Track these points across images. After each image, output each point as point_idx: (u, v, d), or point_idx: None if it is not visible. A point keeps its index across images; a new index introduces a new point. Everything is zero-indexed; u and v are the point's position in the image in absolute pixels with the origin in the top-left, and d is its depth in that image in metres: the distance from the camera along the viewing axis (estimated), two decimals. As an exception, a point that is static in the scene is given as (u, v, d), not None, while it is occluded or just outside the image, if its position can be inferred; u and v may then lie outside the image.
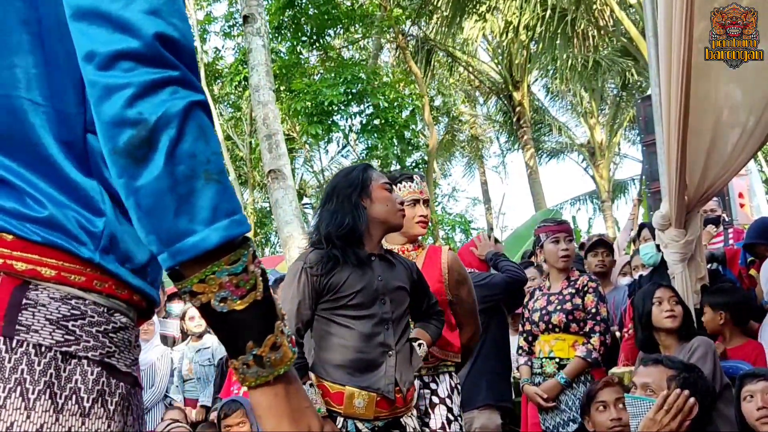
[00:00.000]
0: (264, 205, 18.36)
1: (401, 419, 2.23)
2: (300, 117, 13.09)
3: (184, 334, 5.45)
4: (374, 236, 2.30)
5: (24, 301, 0.80)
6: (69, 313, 0.82)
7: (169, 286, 5.10)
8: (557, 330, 3.45)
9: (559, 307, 3.46)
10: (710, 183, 3.46)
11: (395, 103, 13.53)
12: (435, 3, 14.59)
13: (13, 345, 0.78)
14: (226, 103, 17.36)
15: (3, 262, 0.81)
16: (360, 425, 2.16)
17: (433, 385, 2.69)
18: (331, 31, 14.75)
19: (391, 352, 2.20)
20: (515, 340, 3.90)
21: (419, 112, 15.16)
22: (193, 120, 0.79)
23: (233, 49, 20.86)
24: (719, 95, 3.42)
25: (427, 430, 2.57)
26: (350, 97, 13.15)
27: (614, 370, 3.45)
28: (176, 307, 5.77)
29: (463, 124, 21.46)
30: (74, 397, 0.80)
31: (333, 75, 13.33)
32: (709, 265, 3.88)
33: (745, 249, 4.19)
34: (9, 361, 0.78)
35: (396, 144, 13.92)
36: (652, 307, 3.06)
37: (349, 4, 14.70)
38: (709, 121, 3.41)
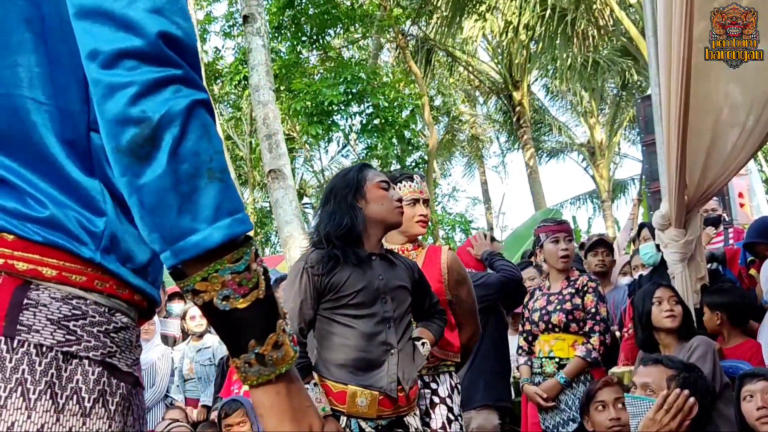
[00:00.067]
0: (264, 205, 18.36)
1: (405, 419, 2.23)
2: (300, 117, 13.10)
3: (185, 334, 5.45)
4: (373, 236, 2.30)
5: (25, 301, 0.80)
6: (70, 313, 0.82)
7: (170, 286, 5.10)
8: (557, 330, 3.45)
9: (558, 307, 3.46)
10: (710, 183, 3.46)
11: (395, 103, 13.53)
12: (435, 3, 14.59)
13: (14, 345, 0.78)
14: (226, 103, 17.36)
15: (4, 262, 0.81)
16: (363, 424, 2.16)
17: (433, 385, 2.69)
18: (331, 31, 14.75)
19: (393, 351, 2.20)
20: (515, 340, 3.90)
21: (419, 112, 15.16)
22: (196, 118, 0.79)
23: (233, 48, 20.87)
24: (719, 95, 3.43)
25: (427, 429, 2.57)
26: (350, 96, 13.15)
27: (614, 369, 3.46)
28: (177, 306, 5.77)
29: (463, 124, 21.46)
30: (75, 397, 0.80)
31: (333, 75, 13.33)
32: (709, 265, 3.88)
33: (745, 248, 4.19)
34: (10, 361, 0.78)
35: (396, 144, 13.93)
36: (652, 306, 3.06)
37: (348, 3, 14.70)
38: (708, 121, 3.41)
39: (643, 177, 7.55)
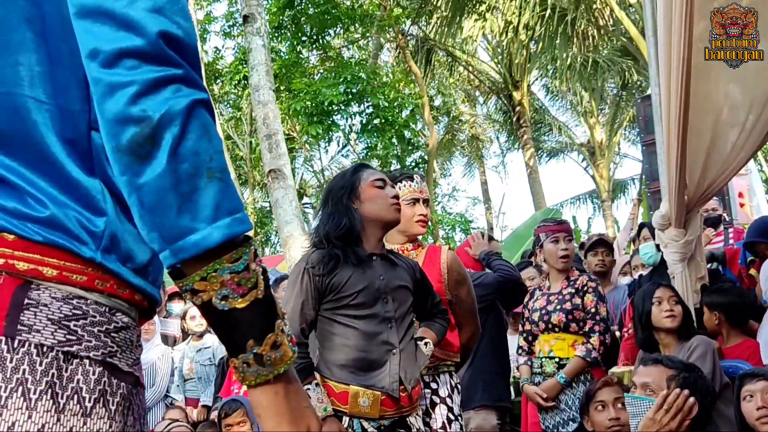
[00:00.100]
0: (264, 205, 18.36)
1: (407, 419, 2.23)
2: (300, 117, 13.10)
3: (185, 334, 5.45)
4: (372, 236, 2.30)
5: (26, 300, 0.80)
6: (71, 313, 0.82)
7: (170, 286, 5.10)
8: (557, 330, 3.45)
9: (558, 307, 3.46)
10: (710, 182, 3.46)
11: (395, 103, 13.54)
12: (435, 2, 14.59)
13: (15, 345, 0.78)
14: (226, 103, 17.36)
15: (5, 262, 0.81)
16: (366, 425, 2.16)
17: (433, 385, 2.69)
18: (331, 31, 14.75)
19: (395, 351, 2.19)
20: (515, 340, 3.90)
21: (419, 112, 15.16)
22: (196, 118, 0.79)
23: (233, 48, 20.87)
24: (719, 95, 3.43)
25: (428, 429, 2.57)
26: (350, 96, 13.16)
27: (614, 369, 3.46)
28: (177, 306, 5.77)
29: (463, 124, 21.46)
30: (76, 397, 0.80)
31: (333, 75, 13.34)
32: (709, 265, 3.89)
33: (745, 247, 4.19)
34: (11, 361, 0.78)
35: (396, 144, 13.93)
36: (652, 306, 3.06)
37: (349, 3, 14.70)
38: (708, 121, 3.41)
39: (643, 177, 7.55)
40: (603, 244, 4.78)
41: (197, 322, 5.06)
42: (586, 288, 3.47)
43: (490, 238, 4.15)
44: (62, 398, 0.79)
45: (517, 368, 3.79)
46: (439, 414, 2.65)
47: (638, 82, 15.40)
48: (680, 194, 3.42)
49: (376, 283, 2.22)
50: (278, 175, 7.29)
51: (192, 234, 0.78)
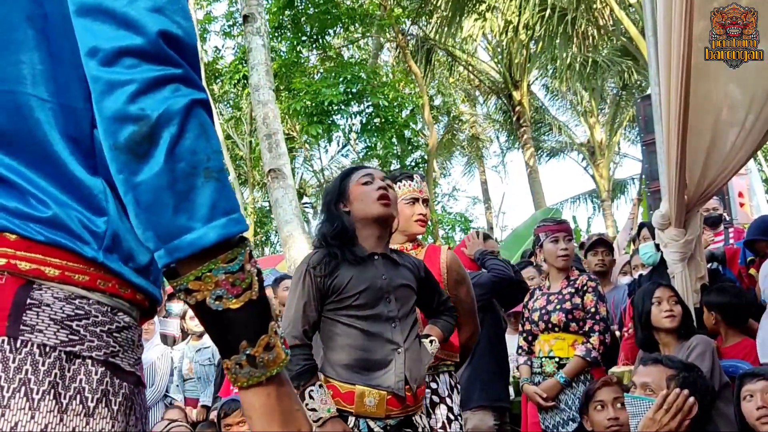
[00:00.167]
0: (264, 205, 18.36)
1: (413, 418, 2.22)
2: (300, 117, 13.10)
3: (185, 334, 5.45)
4: (369, 235, 2.28)
5: (28, 300, 0.80)
6: (73, 313, 0.82)
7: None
8: (557, 329, 3.45)
9: (558, 307, 3.46)
10: (710, 182, 3.46)
11: (395, 103, 13.54)
12: (435, 2, 14.59)
13: (18, 345, 0.78)
14: (226, 103, 17.36)
15: (6, 261, 0.81)
16: (372, 424, 2.16)
17: (433, 385, 2.69)
18: (330, 31, 14.75)
19: (400, 350, 2.19)
20: (515, 340, 3.90)
21: (419, 112, 15.17)
22: (194, 118, 0.79)
23: (233, 48, 20.88)
24: (719, 94, 3.43)
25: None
26: (350, 96, 13.16)
27: (614, 369, 3.46)
28: (176, 306, 5.77)
29: (463, 124, 21.46)
30: (78, 397, 0.80)
31: (333, 74, 13.34)
32: (709, 265, 3.89)
33: (746, 246, 4.19)
34: (13, 361, 0.78)
35: (396, 143, 13.94)
36: (652, 306, 3.06)
37: (349, 3, 14.70)
38: (708, 121, 3.41)
39: (643, 176, 7.55)
40: (603, 243, 4.78)
41: (197, 322, 5.05)
42: (586, 288, 3.47)
43: (486, 237, 4.11)
44: (65, 398, 0.79)
45: (517, 368, 3.78)
46: (440, 414, 2.65)
47: (638, 82, 15.39)
48: (680, 194, 3.42)
49: (378, 282, 2.21)
50: (278, 175, 7.29)
51: (188, 233, 0.78)
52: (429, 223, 3.00)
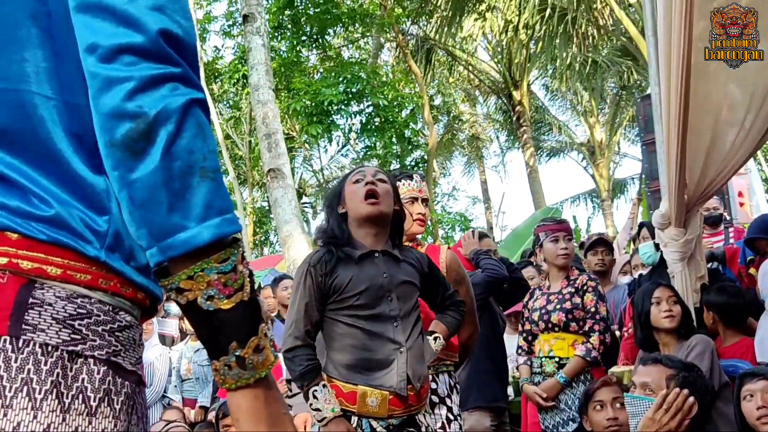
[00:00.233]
0: (263, 204, 18.36)
1: (417, 417, 2.21)
2: (300, 116, 13.10)
3: (183, 334, 5.44)
4: (367, 234, 2.27)
5: (30, 300, 0.80)
6: (75, 312, 0.82)
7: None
8: (557, 329, 3.45)
9: (558, 306, 3.45)
10: (709, 181, 3.46)
11: (395, 103, 13.54)
12: (435, 2, 14.59)
13: (20, 344, 0.78)
14: (225, 103, 17.36)
15: (8, 261, 0.80)
16: (375, 424, 2.15)
17: (432, 385, 2.68)
18: (330, 31, 14.75)
19: (402, 349, 2.17)
20: (514, 340, 3.89)
21: (419, 112, 15.17)
22: (192, 117, 0.79)
23: (233, 48, 20.88)
24: (719, 94, 3.43)
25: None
26: (350, 96, 13.16)
27: (614, 369, 3.45)
28: (175, 306, 5.76)
29: (462, 123, 21.46)
30: (81, 396, 0.80)
31: (333, 74, 13.34)
32: (709, 264, 3.88)
33: (746, 244, 4.19)
34: (15, 361, 0.77)
35: (395, 143, 13.94)
36: (651, 306, 3.06)
37: (349, 2, 14.70)
38: (708, 121, 3.41)
39: (643, 176, 7.54)
40: (603, 243, 4.78)
41: (196, 322, 5.04)
42: (585, 287, 3.46)
43: (482, 236, 4.09)
44: (67, 398, 0.79)
45: (517, 368, 3.78)
46: (439, 414, 2.64)
47: (638, 82, 15.40)
48: (680, 193, 3.42)
49: (379, 280, 2.20)
50: (277, 175, 7.29)
51: (181, 232, 0.78)
52: (429, 222, 2.99)
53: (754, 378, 2.42)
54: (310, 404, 2.12)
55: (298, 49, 14.20)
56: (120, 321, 0.86)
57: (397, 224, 2.35)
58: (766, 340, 3.30)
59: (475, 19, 14.58)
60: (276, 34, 13.83)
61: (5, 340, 0.78)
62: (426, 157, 15.79)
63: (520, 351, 3.67)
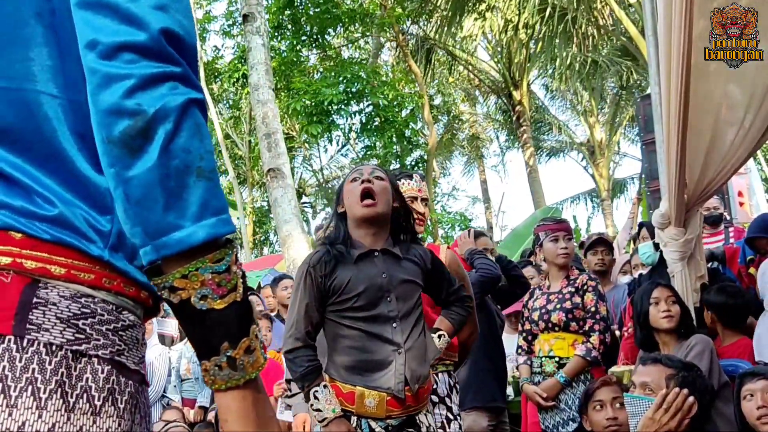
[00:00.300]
0: (263, 204, 18.36)
1: (417, 417, 2.20)
2: (300, 116, 13.10)
3: (183, 334, 5.43)
4: (363, 234, 2.25)
5: (34, 299, 0.80)
6: (79, 312, 0.82)
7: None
8: (557, 329, 3.45)
9: (558, 306, 3.45)
10: (709, 181, 3.46)
11: (395, 102, 13.54)
12: (435, 2, 14.59)
13: (24, 344, 0.78)
14: (225, 102, 17.36)
15: (12, 260, 0.80)
16: (374, 424, 2.15)
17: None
18: (330, 30, 14.75)
19: (400, 350, 2.16)
20: (514, 340, 3.89)
21: (419, 111, 15.17)
22: (190, 117, 0.79)
23: (233, 48, 20.87)
24: (719, 94, 3.43)
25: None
26: (350, 96, 13.16)
27: (613, 369, 3.45)
28: (175, 306, 5.74)
29: (462, 123, 21.46)
30: (85, 395, 0.80)
31: (333, 74, 13.34)
32: (708, 264, 3.88)
33: (746, 243, 4.19)
34: (20, 360, 0.77)
35: (395, 143, 13.94)
36: (650, 307, 3.06)
37: (349, 2, 14.70)
38: (708, 120, 3.41)
39: (643, 176, 7.54)
40: (603, 243, 4.78)
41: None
42: (586, 287, 3.46)
43: (479, 235, 4.06)
44: (72, 397, 0.79)
45: (517, 368, 3.78)
46: (438, 413, 2.63)
47: (638, 82, 15.40)
48: (680, 193, 3.42)
49: (378, 281, 2.19)
50: (277, 174, 7.29)
51: (177, 231, 0.77)
52: (428, 222, 2.98)
53: (754, 377, 2.42)
54: (311, 405, 2.12)
55: (298, 48, 14.19)
56: (123, 320, 0.86)
57: (398, 221, 2.32)
58: (764, 339, 3.31)
59: (475, 19, 14.59)
60: (276, 34, 13.83)
61: (9, 340, 0.77)
62: (426, 156, 15.80)
63: (520, 351, 3.67)
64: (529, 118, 17.65)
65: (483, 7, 14.33)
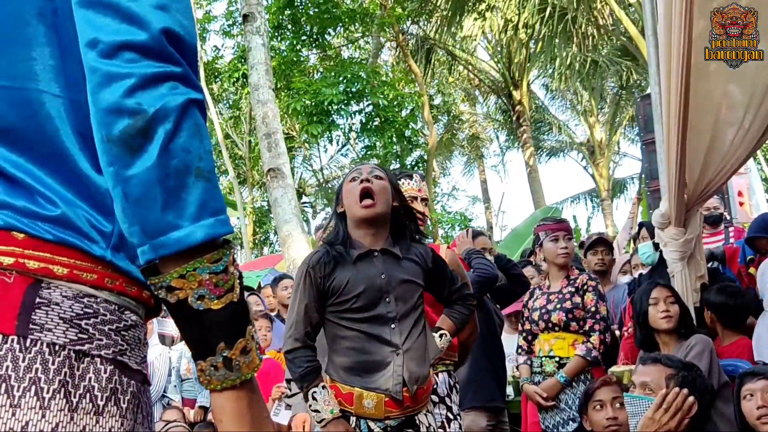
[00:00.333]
0: (263, 204, 18.35)
1: (416, 417, 2.20)
2: (300, 116, 13.10)
3: (183, 333, 5.42)
4: (362, 234, 2.25)
5: (37, 299, 0.80)
6: (82, 312, 0.82)
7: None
8: (557, 329, 3.45)
9: (558, 306, 3.45)
10: (709, 180, 3.46)
11: (395, 102, 13.54)
12: (435, 2, 14.59)
13: (28, 344, 0.78)
14: (225, 102, 17.36)
15: (15, 260, 0.80)
16: (372, 425, 2.15)
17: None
18: (331, 30, 14.75)
19: (398, 352, 2.16)
20: (514, 339, 3.89)
21: (419, 111, 15.17)
22: (190, 117, 0.80)
23: (232, 47, 20.87)
24: (719, 94, 3.43)
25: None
26: (350, 96, 13.16)
27: (613, 369, 3.45)
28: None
29: (462, 123, 21.46)
30: (88, 395, 0.80)
31: (333, 74, 13.34)
32: (708, 264, 3.88)
33: (747, 243, 4.19)
34: (23, 360, 0.77)
35: (395, 143, 13.94)
36: (649, 307, 3.06)
37: (349, 2, 14.70)
38: (708, 120, 3.41)
39: (643, 176, 7.54)
40: (602, 243, 4.78)
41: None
42: (586, 287, 3.47)
43: (477, 234, 4.05)
44: (75, 397, 0.79)
45: (517, 367, 3.77)
46: (438, 413, 2.63)
47: (638, 82, 15.40)
48: (680, 193, 3.42)
49: (377, 282, 2.18)
50: (277, 174, 7.29)
51: (175, 230, 0.78)
52: (428, 222, 2.98)
53: (754, 377, 2.42)
54: (310, 405, 2.13)
55: (298, 48, 14.19)
56: (126, 320, 0.86)
57: (398, 220, 2.30)
58: (764, 339, 3.31)
59: (475, 19, 14.59)
60: (276, 34, 13.83)
61: (13, 340, 0.78)
62: (426, 156, 15.80)
63: (520, 350, 3.67)
64: (529, 118, 17.65)
65: (483, 6, 14.33)
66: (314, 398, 2.11)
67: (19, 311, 0.79)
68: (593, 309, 3.41)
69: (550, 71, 16.75)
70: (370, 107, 13.74)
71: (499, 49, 17.42)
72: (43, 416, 0.76)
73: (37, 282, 0.81)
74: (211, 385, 0.82)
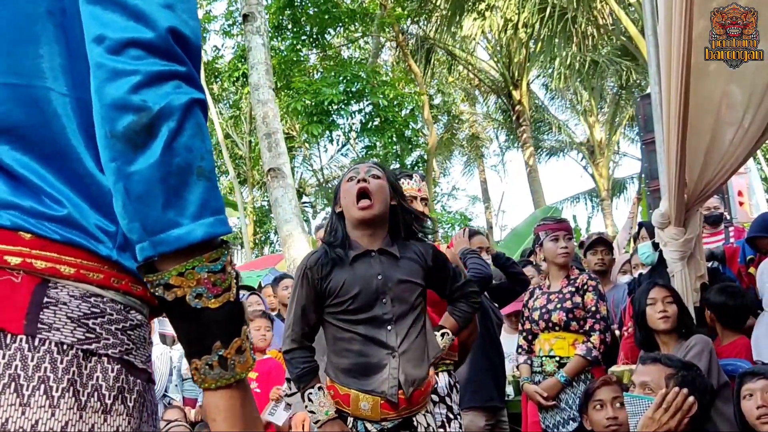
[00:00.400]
0: (263, 204, 18.35)
1: (414, 418, 2.19)
2: (300, 116, 13.10)
3: (184, 333, 5.42)
4: (360, 235, 2.23)
5: (45, 299, 0.80)
6: (89, 311, 0.82)
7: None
8: (557, 328, 3.45)
9: (558, 306, 3.46)
10: (709, 180, 3.46)
11: (395, 102, 13.53)
12: (435, 1, 14.59)
13: (36, 343, 0.78)
14: (225, 102, 17.36)
15: (22, 260, 0.80)
16: (369, 426, 2.15)
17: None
18: (331, 30, 14.75)
19: (394, 354, 2.14)
20: (514, 339, 3.89)
21: (419, 111, 15.17)
22: (193, 116, 0.80)
23: (233, 47, 20.86)
24: (718, 94, 3.43)
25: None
26: (350, 95, 13.15)
27: (614, 368, 3.46)
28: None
29: (462, 123, 21.46)
30: (96, 394, 0.80)
31: (333, 74, 13.34)
32: (708, 264, 3.89)
33: (747, 243, 4.20)
34: (32, 360, 0.78)
35: (395, 142, 13.94)
36: (647, 307, 3.06)
37: (349, 2, 14.70)
38: (708, 120, 3.42)
39: (643, 175, 7.54)
40: (602, 242, 4.78)
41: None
42: (586, 287, 3.47)
43: (474, 233, 4.04)
44: (83, 396, 0.79)
45: (517, 367, 3.78)
46: (438, 413, 2.64)
47: (638, 81, 15.40)
48: (680, 193, 3.43)
49: (373, 283, 2.16)
50: (277, 174, 7.30)
51: (175, 228, 0.78)
52: (429, 222, 2.97)
53: (754, 377, 2.43)
54: (306, 406, 2.14)
55: (298, 48, 14.19)
56: (131, 319, 0.87)
57: (396, 218, 2.27)
58: (763, 339, 3.31)
59: (475, 19, 14.59)
60: (276, 34, 13.83)
61: (21, 339, 0.78)
62: (426, 156, 15.80)
63: (520, 350, 3.67)
64: (528, 118, 17.64)
65: (483, 6, 14.33)
66: (310, 399, 2.12)
67: (28, 311, 0.79)
68: (593, 309, 3.42)
69: (550, 71, 16.73)
70: (370, 107, 13.74)
71: (498, 48, 17.42)
72: (53, 415, 0.77)
73: (44, 282, 0.81)
74: (205, 384, 0.83)
